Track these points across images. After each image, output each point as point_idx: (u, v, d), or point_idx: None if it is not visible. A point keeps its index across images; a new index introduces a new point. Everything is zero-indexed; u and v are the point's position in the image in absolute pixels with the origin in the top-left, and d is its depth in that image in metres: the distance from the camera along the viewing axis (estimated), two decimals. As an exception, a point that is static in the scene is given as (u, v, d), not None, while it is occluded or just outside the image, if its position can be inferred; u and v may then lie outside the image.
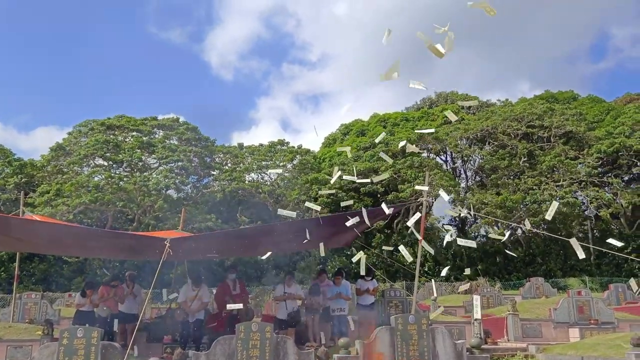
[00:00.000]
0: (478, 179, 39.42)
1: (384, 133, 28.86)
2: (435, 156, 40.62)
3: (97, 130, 35.03)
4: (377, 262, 33.12)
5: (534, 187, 33.68)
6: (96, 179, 32.65)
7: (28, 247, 12.60)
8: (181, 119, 38.07)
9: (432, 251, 7.62)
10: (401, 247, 8.56)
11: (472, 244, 8.31)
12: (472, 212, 24.87)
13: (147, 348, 10.97)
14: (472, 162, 39.55)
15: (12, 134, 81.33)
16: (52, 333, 11.31)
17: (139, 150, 34.89)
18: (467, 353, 8.62)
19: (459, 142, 38.04)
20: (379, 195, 36.16)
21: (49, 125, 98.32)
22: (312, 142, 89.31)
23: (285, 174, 37.50)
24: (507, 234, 33.45)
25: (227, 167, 37.97)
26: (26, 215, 14.87)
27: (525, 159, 35.63)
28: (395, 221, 35.49)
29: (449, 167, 40.93)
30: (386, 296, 13.81)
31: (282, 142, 39.22)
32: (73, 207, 29.76)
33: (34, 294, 17.69)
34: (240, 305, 9.31)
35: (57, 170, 33.77)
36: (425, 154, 38.78)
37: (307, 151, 39.40)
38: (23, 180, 32.83)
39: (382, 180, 33.06)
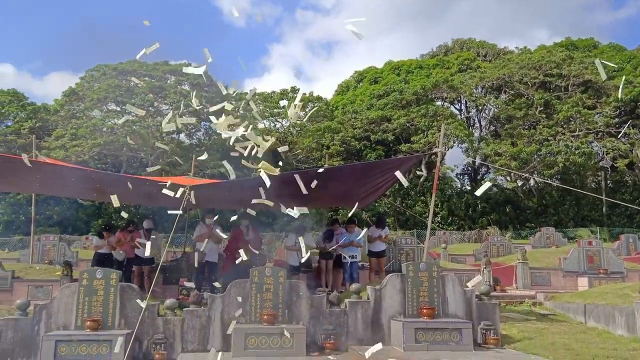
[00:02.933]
0: (492, 128, 38.92)
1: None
2: (449, 105, 40.03)
3: (109, 75, 34.82)
4: (388, 211, 33.37)
5: (550, 138, 33.24)
6: (109, 122, 32.73)
7: (43, 189, 12.77)
8: (193, 65, 37.67)
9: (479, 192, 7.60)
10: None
11: (488, 185, 8.20)
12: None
13: (164, 290, 11.29)
14: (486, 111, 38.96)
15: (26, 79, 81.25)
16: (71, 274, 11.65)
17: (151, 95, 34.75)
18: (476, 300, 8.76)
19: (474, 90, 37.35)
20: (391, 145, 35.98)
21: (62, 71, 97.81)
22: (326, 90, 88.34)
23: (298, 122, 37.26)
24: (520, 184, 33.28)
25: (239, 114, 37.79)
26: (39, 158, 15.00)
27: (542, 108, 35.01)
28: (407, 171, 35.41)
29: (463, 117, 40.39)
30: (397, 244, 13.96)
31: (294, 90, 38.79)
32: (89, 149, 30.02)
33: (52, 236, 18.11)
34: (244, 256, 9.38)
35: (70, 115, 33.85)
36: (439, 103, 38.21)
37: (320, 98, 38.98)
38: (37, 124, 32.99)
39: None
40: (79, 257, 16.72)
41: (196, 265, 10.19)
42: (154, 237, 11.62)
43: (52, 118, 34.11)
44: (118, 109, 34.72)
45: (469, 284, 8.65)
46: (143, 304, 6.93)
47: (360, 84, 43.28)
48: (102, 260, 10.97)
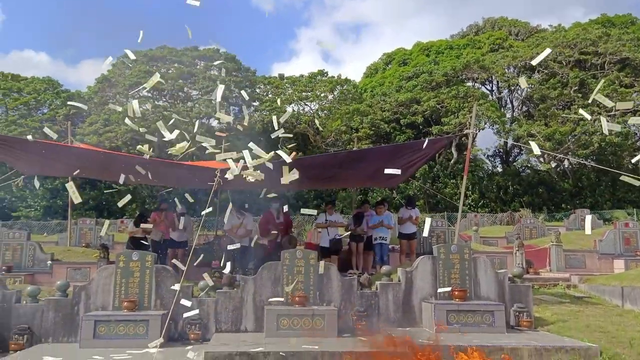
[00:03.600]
0: (525, 109, 38.07)
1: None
2: (480, 86, 39.27)
3: (140, 62, 35.28)
4: (419, 194, 33.13)
5: (585, 118, 32.33)
6: (141, 108, 33.24)
7: (80, 173, 13.09)
8: (221, 50, 37.83)
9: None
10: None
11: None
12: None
13: (196, 272, 11.49)
14: (519, 91, 38.09)
15: (60, 67, 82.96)
16: (108, 256, 11.98)
17: (180, 81, 35.11)
18: (509, 282, 8.67)
19: (506, 70, 36.52)
20: (420, 127, 35.58)
21: (94, 58, 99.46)
22: (354, 73, 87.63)
23: (326, 105, 37.18)
24: (554, 165, 32.54)
25: (267, 98, 37.91)
26: (74, 144, 15.36)
27: (577, 88, 34.03)
28: (438, 152, 35.00)
29: (494, 97, 39.59)
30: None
31: (322, 73, 38.62)
32: (121, 135, 30.60)
33: (89, 220, 18.60)
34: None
35: (103, 101, 34.50)
36: (470, 84, 37.52)
37: (347, 81, 38.72)
38: (71, 111, 33.74)
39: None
40: (115, 240, 17.14)
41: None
42: (186, 225, 11.83)
43: (86, 105, 34.83)
44: (149, 95, 35.22)
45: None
46: (177, 286, 7.09)
47: (389, 66, 42.79)
48: (137, 242, 11.22)
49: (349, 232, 11.31)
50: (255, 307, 8.19)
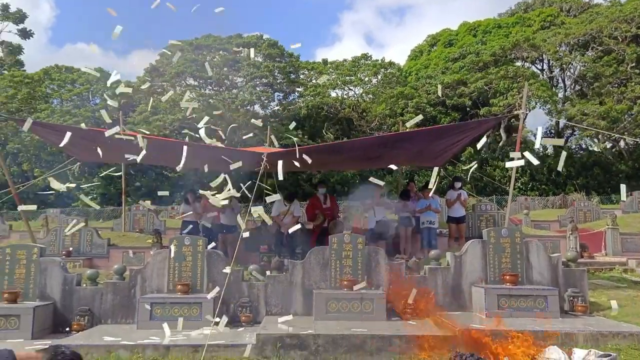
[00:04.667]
0: (578, 88, 36.59)
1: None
2: (530, 65, 37.97)
3: (186, 51, 35.88)
4: (465, 177, 32.51)
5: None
6: (187, 97, 33.88)
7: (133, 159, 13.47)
8: (265, 36, 38.02)
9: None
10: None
11: (560, 142, 7.84)
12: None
13: (245, 256, 11.72)
14: (572, 70, 36.62)
15: (111, 58, 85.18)
16: (161, 241, 12.34)
17: (225, 69, 35.53)
18: (563, 266, 8.45)
19: (557, 48, 35.14)
20: (468, 109, 34.81)
21: (143, 48, 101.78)
22: (398, 56, 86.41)
23: (370, 89, 36.87)
24: (609, 146, 31.21)
25: (311, 83, 37.92)
26: (126, 132, 15.80)
27: (634, 64, 32.44)
28: (486, 134, 34.19)
29: (545, 77, 38.23)
30: (476, 210, 13.64)
31: (365, 57, 38.26)
32: (169, 124, 31.32)
33: (142, 206, 19.17)
34: (298, 226, 9.44)
35: (152, 91, 35.32)
36: (519, 63, 36.33)
37: (391, 64, 38.21)
38: (123, 101, 34.72)
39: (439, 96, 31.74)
40: (167, 226, 17.64)
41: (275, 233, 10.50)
42: (235, 207, 12.04)
43: (135, 94, 35.76)
44: (195, 83, 35.82)
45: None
46: (228, 269, 7.25)
47: (434, 47, 41.93)
48: (190, 227, 11.51)
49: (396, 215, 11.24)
50: (304, 291, 8.29)
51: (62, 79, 38.35)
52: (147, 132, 27.11)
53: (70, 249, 13.24)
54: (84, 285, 8.40)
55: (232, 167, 7.77)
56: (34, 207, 7.78)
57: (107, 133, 7.66)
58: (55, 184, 6.72)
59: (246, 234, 7.08)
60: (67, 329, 7.87)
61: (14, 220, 19.80)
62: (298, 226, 8.33)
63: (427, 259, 8.79)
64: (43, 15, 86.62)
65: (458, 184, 12.24)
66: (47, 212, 23.66)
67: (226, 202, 7.65)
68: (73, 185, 6.82)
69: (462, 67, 34.74)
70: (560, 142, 7.68)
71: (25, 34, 49.27)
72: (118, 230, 16.94)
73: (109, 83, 7.78)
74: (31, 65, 49.32)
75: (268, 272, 8.55)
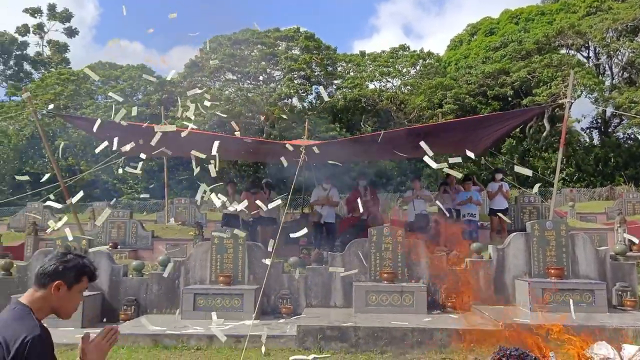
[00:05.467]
0: (626, 75, 35.18)
1: None
2: (575, 53, 36.73)
3: (225, 45, 36.28)
4: (506, 169, 31.86)
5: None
6: (227, 92, 34.32)
7: (174, 153, 13.76)
8: (302, 29, 38.03)
9: (528, 173, 7.22)
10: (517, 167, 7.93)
11: (528, 172, 7.65)
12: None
13: (285, 249, 11.82)
14: (619, 56, 35.22)
15: (153, 54, 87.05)
16: (202, 234, 12.57)
17: (263, 62, 35.77)
18: (610, 260, 8.19)
19: (604, 34, 33.85)
20: (509, 99, 33.98)
21: (184, 45, 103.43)
22: (437, 46, 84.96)
23: (409, 80, 36.45)
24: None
25: (349, 76, 37.77)
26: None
27: (688, 50, 31.00)
28: (529, 125, 33.34)
29: (591, 64, 36.92)
30: (519, 202, 13.35)
31: (403, 48, 37.80)
32: (209, 119, 31.79)
33: (183, 199, 19.58)
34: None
35: (192, 86, 35.89)
36: (564, 51, 35.20)
37: (430, 54, 37.63)
38: (164, 96, 35.43)
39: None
40: (208, 219, 17.94)
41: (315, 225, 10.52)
42: (273, 198, 12.16)
43: (176, 89, 36.45)
44: (234, 77, 36.20)
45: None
46: (268, 262, 7.34)
47: (474, 37, 41.04)
48: (230, 220, 11.69)
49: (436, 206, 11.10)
50: (344, 283, 8.31)
51: (106, 76, 39.39)
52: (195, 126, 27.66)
53: (117, 241, 13.63)
54: (130, 276, 8.65)
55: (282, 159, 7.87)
56: (78, 195, 8.01)
57: (157, 128, 7.84)
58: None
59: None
60: (114, 319, 8.13)
61: (62, 213, 20.48)
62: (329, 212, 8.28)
63: (469, 251, 8.67)
64: (88, 14, 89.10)
65: (499, 176, 12.00)
66: (93, 205, 24.40)
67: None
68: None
69: (503, 55, 33.90)
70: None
71: (71, 33, 50.90)
72: (161, 223, 17.35)
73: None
74: (77, 62, 50.90)
75: (308, 265, 8.60)
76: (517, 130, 33.25)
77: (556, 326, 6.20)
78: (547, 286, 7.59)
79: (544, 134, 32.84)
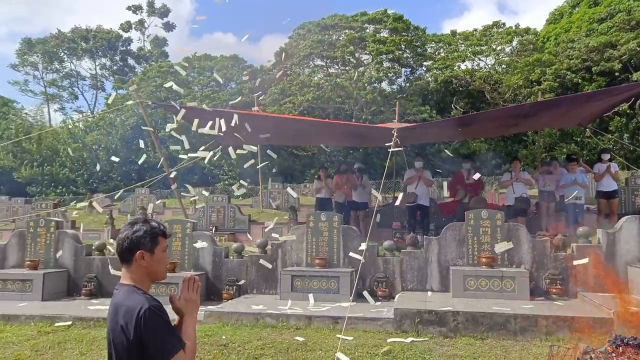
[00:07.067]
0: None
1: None
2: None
3: (313, 32, 36.59)
4: (615, 149, 29.70)
5: None
6: (315, 78, 34.64)
7: (272, 139, 14.12)
8: (389, 11, 37.44)
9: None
10: None
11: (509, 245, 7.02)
12: None
13: (378, 233, 11.82)
14: None
15: (244, 46, 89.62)
16: (296, 217, 12.87)
17: (351, 47, 35.66)
18: None
19: None
20: (616, 73, 31.48)
21: (274, 34, 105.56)
22: (534, 22, 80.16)
23: (504, 58, 34.83)
24: None
25: (439, 56, 36.74)
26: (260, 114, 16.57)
27: None
28: (638, 102, 30.76)
29: None
30: (630, 184, 12.42)
31: (497, 25, 36.07)
32: (298, 105, 32.30)
33: (276, 184, 20.12)
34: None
35: (282, 73, 36.61)
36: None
37: (528, 30, 35.64)
38: (256, 85, 36.46)
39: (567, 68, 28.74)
40: (300, 203, 18.34)
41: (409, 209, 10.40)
42: (365, 185, 12.17)
43: (267, 78, 37.35)
44: (323, 63, 36.45)
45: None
46: (364, 245, 7.36)
47: (577, 9, 38.30)
48: (324, 204, 11.87)
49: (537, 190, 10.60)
50: (440, 267, 8.19)
51: (202, 67, 41.17)
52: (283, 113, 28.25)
53: (217, 224, 14.30)
54: (231, 257, 9.04)
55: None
56: (193, 194, 8.58)
57: (231, 121, 8.07)
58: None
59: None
60: (218, 297, 8.56)
61: (166, 198, 21.76)
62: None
63: (575, 236, 8.20)
64: (184, 8, 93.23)
65: (606, 156, 11.14)
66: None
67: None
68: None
69: (610, 27, 31.40)
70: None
71: (169, 27, 53.61)
72: (256, 207, 17.96)
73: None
74: (174, 55, 53.57)
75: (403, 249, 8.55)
76: (625, 106, 30.78)
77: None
78: (665, 274, 7.02)
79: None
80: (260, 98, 32.17)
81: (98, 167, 17.51)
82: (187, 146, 8.52)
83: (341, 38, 36.66)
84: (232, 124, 8.07)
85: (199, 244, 8.49)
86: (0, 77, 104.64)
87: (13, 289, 8.65)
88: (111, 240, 10.97)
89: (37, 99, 51.83)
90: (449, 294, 7.70)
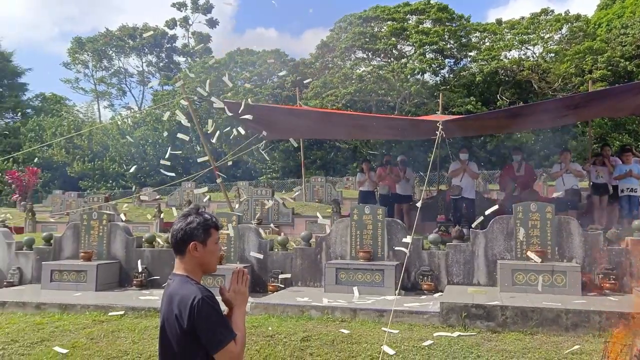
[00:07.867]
0: None
1: None
2: None
3: (355, 24, 36.38)
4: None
5: None
6: (358, 70, 34.46)
7: (309, 134, 14.17)
8: (432, 1, 36.80)
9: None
10: None
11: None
12: None
13: (422, 227, 11.70)
14: None
15: (286, 39, 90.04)
16: (340, 210, 12.88)
17: (393, 38, 35.28)
18: None
19: None
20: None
21: (315, 27, 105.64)
22: (584, 8, 77.21)
23: (552, 46, 33.72)
24: None
25: (485, 46, 35.88)
26: (302, 107, 16.65)
27: None
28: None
29: None
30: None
31: (546, 12, 34.91)
32: (341, 97, 32.23)
33: (320, 177, 20.21)
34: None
35: (323, 66, 36.59)
36: None
37: (578, 17, 34.36)
38: (297, 78, 36.60)
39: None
40: (343, 196, 18.34)
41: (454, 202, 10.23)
42: (409, 177, 12.06)
43: (308, 71, 37.42)
44: (365, 56, 36.21)
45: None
46: (409, 239, 7.31)
47: (630, -8, 36.70)
48: (367, 197, 11.84)
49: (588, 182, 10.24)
50: (487, 261, 8.04)
51: (244, 61, 41.63)
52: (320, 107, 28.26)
53: (261, 217, 14.47)
54: (276, 250, 9.13)
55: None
56: (243, 194, 8.74)
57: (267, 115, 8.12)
58: None
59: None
60: (264, 289, 8.67)
61: (211, 192, 22.17)
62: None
63: (630, 229, 7.88)
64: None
65: None
66: (237, 185, 26.07)
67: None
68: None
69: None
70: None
71: (212, 23, 54.40)
72: (300, 201, 18.07)
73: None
74: (218, 51, 54.47)
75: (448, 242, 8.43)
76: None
77: None
78: None
79: None
80: (302, 92, 32.28)
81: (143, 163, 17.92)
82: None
83: (383, 30, 36.32)
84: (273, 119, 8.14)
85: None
86: (53, 76, 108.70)
87: (69, 279, 8.99)
88: (160, 233, 11.27)
89: (88, 96, 53.76)
90: (495, 289, 7.55)
